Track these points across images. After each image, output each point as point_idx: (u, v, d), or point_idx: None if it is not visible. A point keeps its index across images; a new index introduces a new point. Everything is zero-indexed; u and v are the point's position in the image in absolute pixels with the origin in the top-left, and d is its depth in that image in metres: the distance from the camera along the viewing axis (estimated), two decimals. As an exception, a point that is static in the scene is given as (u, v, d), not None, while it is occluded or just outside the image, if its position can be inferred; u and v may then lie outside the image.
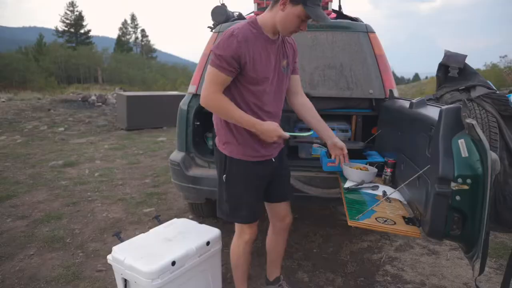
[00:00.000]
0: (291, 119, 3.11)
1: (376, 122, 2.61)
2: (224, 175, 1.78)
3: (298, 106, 1.91)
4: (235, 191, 1.78)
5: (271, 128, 1.62)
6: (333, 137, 1.92)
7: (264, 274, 2.41)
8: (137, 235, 2.11)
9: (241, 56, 1.54)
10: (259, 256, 2.66)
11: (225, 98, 1.61)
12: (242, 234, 1.88)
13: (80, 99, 11.22)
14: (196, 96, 2.69)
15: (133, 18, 68.95)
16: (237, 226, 1.89)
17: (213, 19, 2.89)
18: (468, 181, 1.23)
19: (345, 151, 1.92)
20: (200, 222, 2.21)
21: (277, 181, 1.91)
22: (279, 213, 2.00)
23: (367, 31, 2.62)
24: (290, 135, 1.72)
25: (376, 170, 2.06)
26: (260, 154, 1.75)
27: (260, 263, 2.56)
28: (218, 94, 1.60)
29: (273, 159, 1.82)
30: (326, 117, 2.93)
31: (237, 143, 1.72)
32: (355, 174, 2.00)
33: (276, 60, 1.68)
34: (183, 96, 2.81)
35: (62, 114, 9.61)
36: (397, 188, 1.84)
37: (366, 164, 2.15)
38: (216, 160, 1.84)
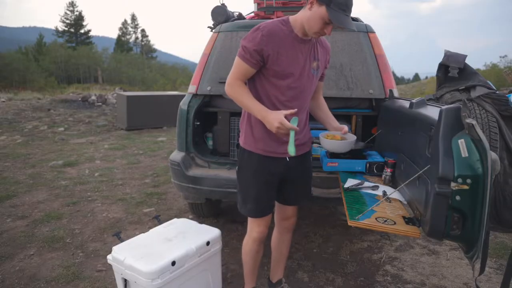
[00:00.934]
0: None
1: (376, 122, 2.61)
2: (237, 166, 1.85)
3: (312, 104, 1.97)
4: (244, 183, 1.83)
5: (275, 117, 1.59)
6: (333, 123, 1.99)
7: (264, 274, 2.41)
8: (137, 235, 2.11)
9: (263, 50, 1.58)
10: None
11: (243, 87, 1.67)
12: (251, 231, 1.90)
13: (80, 99, 11.22)
14: (196, 96, 2.69)
15: (133, 18, 68.98)
16: (248, 222, 1.92)
17: (213, 19, 2.90)
18: (468, 181, 1.24)
19: (345, 129, 1.94)
20: (200, 222, 2.21)
21: (292, 184, 1.90)
22: (285, 213, 2.01)
23: (367, 31, 2.62)
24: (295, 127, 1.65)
25: (354, 137, 1.97)
26: (272, 150, 1.75)
27: (260, 263, 2.56)
28: (238, 82, 1.66)
29: (287, 158, 1.78)
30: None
31: (253, 136, 1.76)
32: (328, 144, 1.98)
33: (306, 59, 1.69)
34: (183, 96, 2.81)
35: (62, 114, 9.61)
36: (397, 188, 1.84)
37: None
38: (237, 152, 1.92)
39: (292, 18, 1.67)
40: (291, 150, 1.60)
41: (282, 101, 1.69)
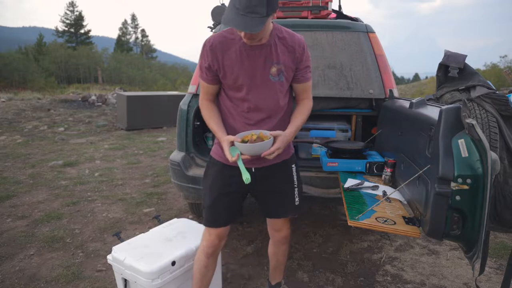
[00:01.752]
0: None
1: (376, 122, 2.61)
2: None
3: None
4: (203, 190, 1.80)
5: (222, 143, 1.56)
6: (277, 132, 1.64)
7: (264, 274, 2.41)
8: (137, 235, 2.11)
9: (210, 65, 1.58)
10: (259, 256, 2.66)
11: (210, 108, 1.67)
12: (202, 239, 1.79)
13: (80, 99, 11.22)
14: (196, 96, 2.69)
15: (133, 18, 68.97)
16: None
17: (213, 19, 2.90)
18: (468, 181, 1.24)
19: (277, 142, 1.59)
20: (200, 222, 2.21)
21: (268, 195, 1.78)
22: (274, 225, 1.90)
23: (367, 31, 2.63)
24: (237, 160, 1.51)
25: (271, 141, 1.53)
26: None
27: (260, 263, 2.56)
28: (204, 102, 1.69)
29: (252, 169, 1.67)
30: (326, 117, 2.95)
31: (219, 144, 1.70)
32: (240, 148, 1.55)
33: (258, 67, 1.57)
34: (183, 96, 2.81)
35: (62, 114, 9.62)
36: (397, 188, 1.84)
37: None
38: None
39: None
40: (244, 177, 1.49)
41: (240, 113, 1.63)
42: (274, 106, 1.64)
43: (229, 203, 1.74)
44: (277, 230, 1.89)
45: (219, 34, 1.60)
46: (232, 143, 1.54)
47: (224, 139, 1.56)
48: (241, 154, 1.53)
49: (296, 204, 1.80)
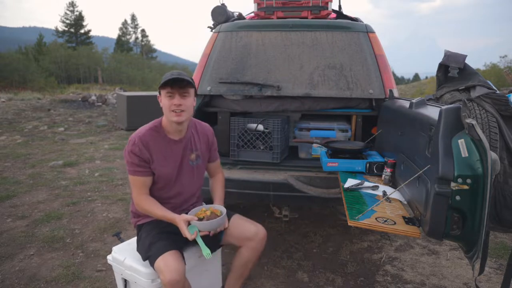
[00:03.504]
0: (291, 119, 3.13)
1: (376, 122, 2.61)
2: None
3: (211, 182, 2.08)
4: (141, 247, 1.79)
5: (178, 222, 1.67)
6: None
7: (263, 273, 2.41)
8: (137, 235, 2.10)
9: (143, 157, 1.74)
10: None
11: (147, 198, 1.76)
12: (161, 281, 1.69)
13: (80, 99, 11.22)
14: (196, 96, 2.69)
15: (133, 18, 68.89)
16: None
17: (213, 19, 2.90)
18: (468, 181, 1.24)
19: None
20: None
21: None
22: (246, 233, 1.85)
23: (367, 31, 2.62)
24: (195, 237, 1.63)
25: (223, 217, 1.70)
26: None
27: (260, 263, 2.55)
28: (141, 196, 1.77)
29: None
30: (326, 117, 2.95)
31: (134, 212, 1.90)
32: (199, 226, 1.67)
33: (181, 158, 1.84)
34: (183, 96, 2.80)
35: (62, 114, 9.62)
36: (397, 188, 1.84)
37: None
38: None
39: (162, 120, 1.80)
40: (205, 253, 1.61)
41: (165, 199, 1.81)
42: (194, 187, 1.95)
43: (173, 238, 1.71)
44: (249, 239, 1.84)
45: (147, 131, 1.78)
46: (188, 223, 1.67)
47: (180, 219, 1.66)
48: (199, 231, 1.65)
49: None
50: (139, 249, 1.79)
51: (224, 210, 1.77)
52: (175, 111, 1.69)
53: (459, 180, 1.24)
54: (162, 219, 1.72)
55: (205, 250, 1.61)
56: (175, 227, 1.69)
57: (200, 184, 1.99)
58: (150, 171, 1.75)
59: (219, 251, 2.06)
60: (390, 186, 1.98)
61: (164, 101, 1.70)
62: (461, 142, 1.26)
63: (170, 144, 1.80)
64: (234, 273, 1.92)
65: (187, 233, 1.62)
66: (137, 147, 1.71)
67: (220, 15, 2.86)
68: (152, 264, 1.64)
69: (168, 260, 1.57)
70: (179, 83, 1.67)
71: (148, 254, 1.67)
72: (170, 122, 1.75)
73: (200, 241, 1.62)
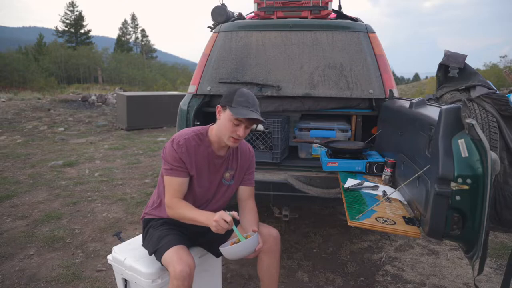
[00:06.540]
0: (291, 119, 3.13)
1: (376, 122, 2.61)
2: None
3: (240, 207, 1.86)
4: (149, 241, 1.78)
5: (215, 214, 1.55)
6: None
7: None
8: (137, 235, 2.11)
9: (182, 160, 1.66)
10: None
11: (180, 201, 1.68)
12: (170, 279, 1.64)
13: (80, 99, 11.22)
14: (196, 96, 2.69)
15: (133, 18, 68.86)
16: None
17: (213, 19, 2.90)
18: (468, 181, 1.24)
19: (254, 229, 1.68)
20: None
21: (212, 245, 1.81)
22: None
23: (367, 31, 2.62)
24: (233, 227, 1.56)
25: (254, 240, 1.56)
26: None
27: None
28: (173, 200, 1.69)
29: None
30: (326, 117, 2.95)
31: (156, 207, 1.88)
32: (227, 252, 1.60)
33: (221, 174, 1.78)
34: (183, 96, 2.81)
35: (62, 114, 9.61)
36: (397, 188, 1.84)
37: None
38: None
39: (210, 129, 1.74)
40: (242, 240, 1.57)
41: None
42: (217, 204, 1.85)
43: (181, 235, 1.71)
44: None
45: (192, 138, 1.71)
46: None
47: (217, 213, 1.54)
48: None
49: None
50: (145, 242, 1.77)
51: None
52: (236, 138, 1.63)
53: (459, 180, 1.24)
54: (196, 220, 1.61)
55: (242, 238, 1.57)
56: (183, 225, 1.69)
57: (224, 205, 1.89)
58: (187, 172, 1.68)
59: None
60: (390, 186, 1.98)
61: (227, 124, 1.61)
62: (461, 142, 1.26)
63: (212, 157, 1.73)
64: (262, 282, 1.85)
65: (226, 215, 1.51)
66: (181, 148, 1.65)
67: (220, 15, 2.86)
68: (160, 256, 1.61)
69: (180, 252, 1.57)
70: (252, 120, 1.60)
71: (158, 246, 1.64)
72: (222, 141, 1.68)
73: (235, 229, 1.58)
